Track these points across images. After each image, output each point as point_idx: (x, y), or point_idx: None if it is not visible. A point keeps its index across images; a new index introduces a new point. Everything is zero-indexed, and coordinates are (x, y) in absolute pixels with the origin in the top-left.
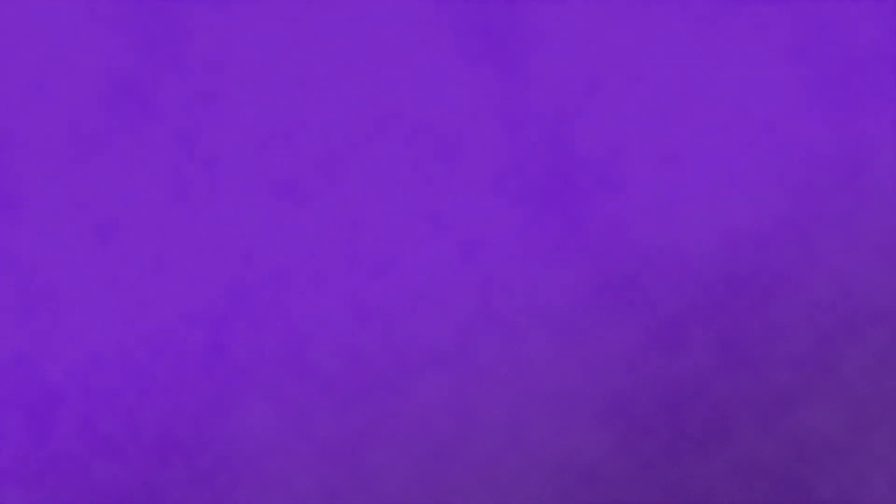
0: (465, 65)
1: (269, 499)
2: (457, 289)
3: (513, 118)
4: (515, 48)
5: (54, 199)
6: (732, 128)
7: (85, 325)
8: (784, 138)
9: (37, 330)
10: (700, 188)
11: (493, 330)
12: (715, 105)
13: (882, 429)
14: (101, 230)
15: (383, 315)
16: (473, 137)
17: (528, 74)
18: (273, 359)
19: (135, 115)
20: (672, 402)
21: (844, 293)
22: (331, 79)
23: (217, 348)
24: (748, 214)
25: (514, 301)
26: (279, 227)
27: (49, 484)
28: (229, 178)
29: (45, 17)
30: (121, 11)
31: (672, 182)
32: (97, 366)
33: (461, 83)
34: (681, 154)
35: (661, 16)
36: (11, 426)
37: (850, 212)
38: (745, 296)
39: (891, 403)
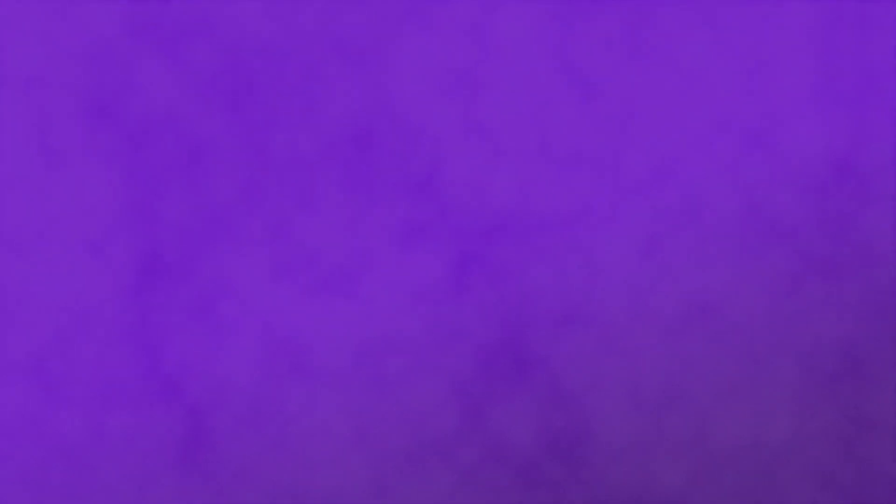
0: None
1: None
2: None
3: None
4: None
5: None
6: (733, 128)
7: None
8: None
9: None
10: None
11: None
12: (715, 107)
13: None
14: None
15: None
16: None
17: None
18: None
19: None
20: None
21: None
22: (335, 79)
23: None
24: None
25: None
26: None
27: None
28: (224, 178)
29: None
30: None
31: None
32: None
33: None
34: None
35: (662, 15)
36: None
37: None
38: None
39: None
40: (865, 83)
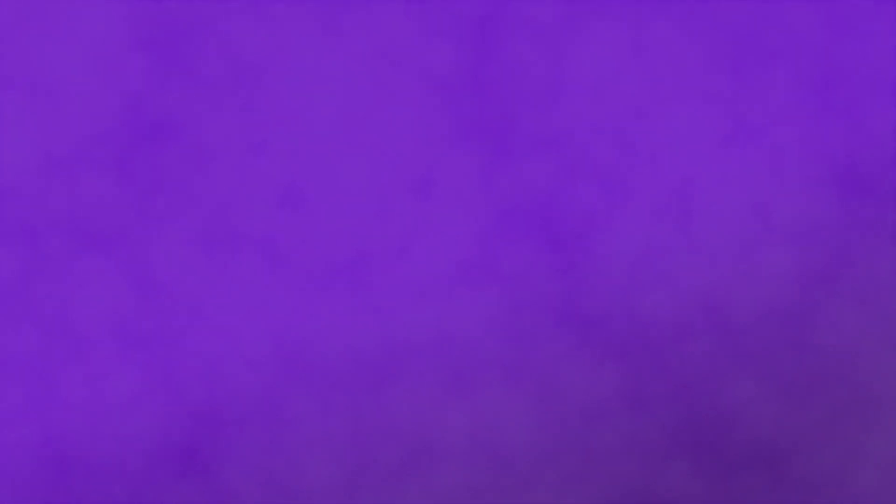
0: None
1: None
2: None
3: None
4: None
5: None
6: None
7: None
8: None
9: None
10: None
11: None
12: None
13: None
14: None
15: (381, 317)
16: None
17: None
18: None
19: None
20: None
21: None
22: (333, 77)
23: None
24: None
25: (523, 305)
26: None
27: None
28: (230, 180)
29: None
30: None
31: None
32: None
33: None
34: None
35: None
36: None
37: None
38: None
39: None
40: (865, 83)
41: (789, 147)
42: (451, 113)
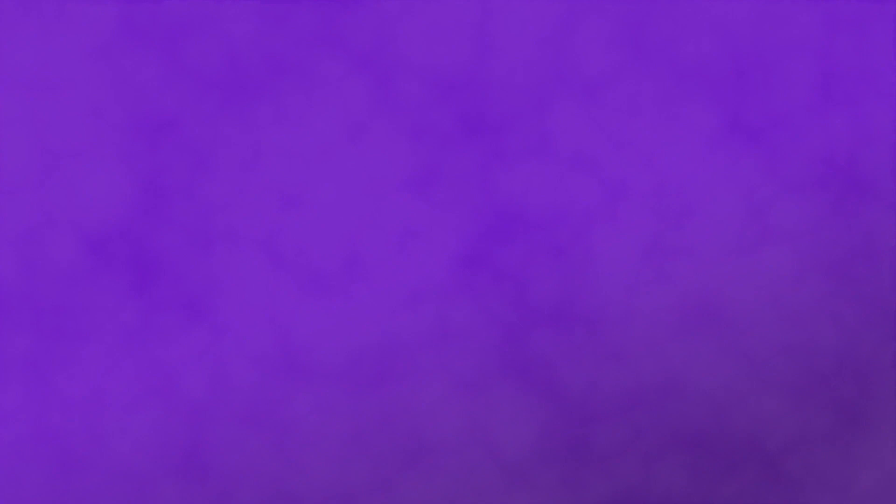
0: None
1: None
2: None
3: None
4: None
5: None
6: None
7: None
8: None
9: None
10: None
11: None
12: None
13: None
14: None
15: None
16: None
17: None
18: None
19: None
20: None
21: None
22: (332, 77)
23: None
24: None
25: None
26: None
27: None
28: (222, 178)
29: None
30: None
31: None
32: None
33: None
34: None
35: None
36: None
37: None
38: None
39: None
40: (865, 83)
41: (789, 147)
42: (451, 113)
